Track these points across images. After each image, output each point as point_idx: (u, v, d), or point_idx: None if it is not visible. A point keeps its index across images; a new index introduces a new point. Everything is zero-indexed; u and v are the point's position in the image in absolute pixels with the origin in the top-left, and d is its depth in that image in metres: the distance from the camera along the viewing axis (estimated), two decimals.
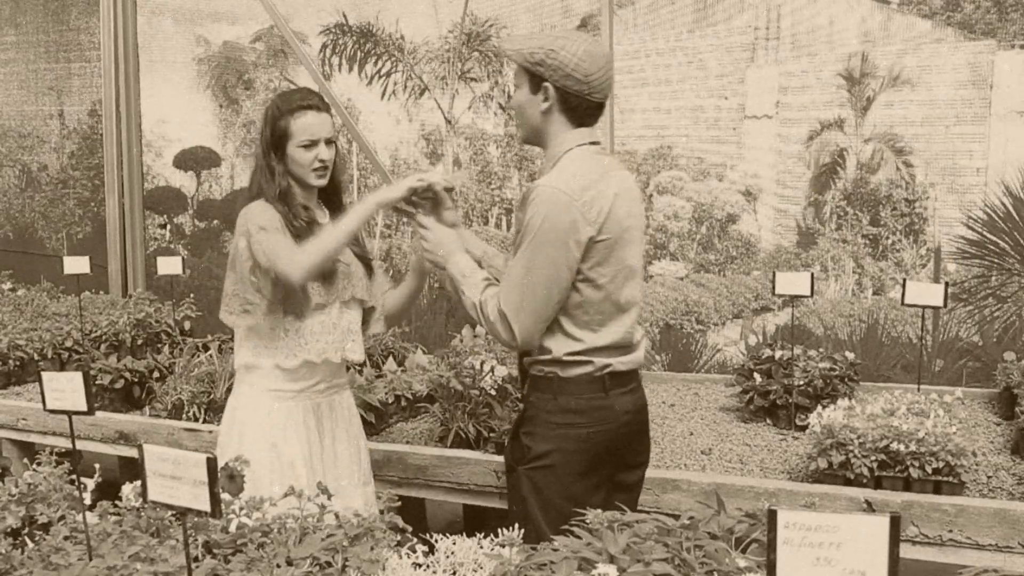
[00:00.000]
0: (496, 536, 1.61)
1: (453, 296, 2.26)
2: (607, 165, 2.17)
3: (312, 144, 2.40)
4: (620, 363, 2.17)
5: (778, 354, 3.63)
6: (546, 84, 2.09)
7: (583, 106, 2.12)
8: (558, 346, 2.12)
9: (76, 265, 4.21)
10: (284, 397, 2.46)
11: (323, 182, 2.45)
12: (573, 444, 2.12)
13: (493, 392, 3.27)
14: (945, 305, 3.38)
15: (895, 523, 1.09)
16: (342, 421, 2.58)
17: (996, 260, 5.66)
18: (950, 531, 2.50)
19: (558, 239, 2.03)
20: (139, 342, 4.42)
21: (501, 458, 3.02)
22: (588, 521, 1.61)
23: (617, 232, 2.10)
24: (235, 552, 1.61)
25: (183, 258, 4.26)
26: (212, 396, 3.44)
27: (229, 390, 3.45)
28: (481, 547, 1.60)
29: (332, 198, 2.56)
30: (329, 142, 2.43)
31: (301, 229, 2.39)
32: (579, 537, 1.55)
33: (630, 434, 2.22)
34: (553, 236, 2.03)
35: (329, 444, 2.53)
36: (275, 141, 2.41)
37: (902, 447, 2.65)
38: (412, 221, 2.36)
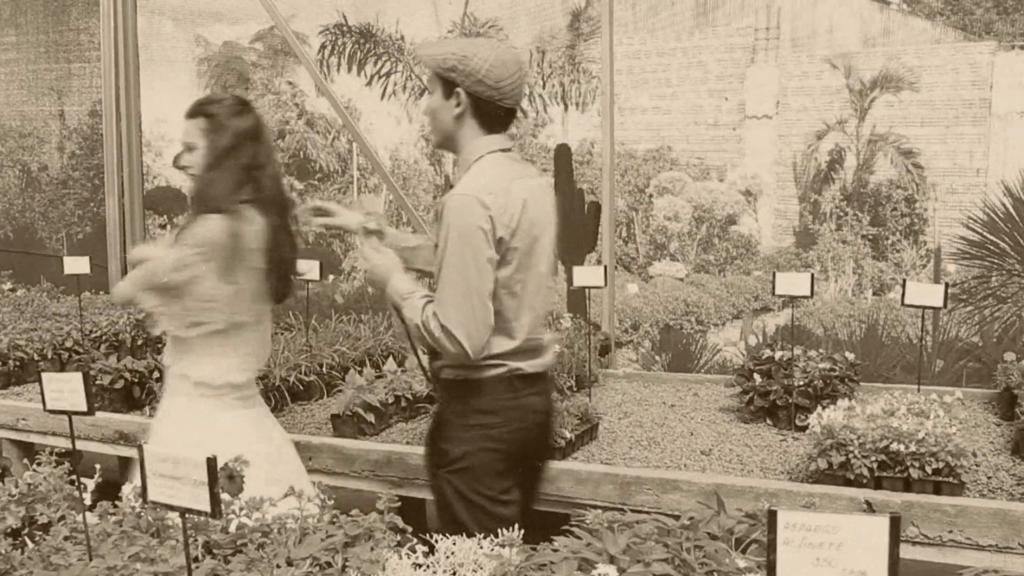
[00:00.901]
0: (496, 536, 1.61)
1: (394, 317, 2.32)
2: (519, 171, 2.21)
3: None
4: (529, 366, 2.21)
5: (778, 354, 3.63)
6: (458, 90, 2.13)
7: (494, 112, 2.16)
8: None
9: (76, 265, 4.21)
10: (237, 405, 2.53)
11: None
12: (488, 444, 2.16)
13: None
14: (945, 306, 3.38)
15: (895, 523, 1.09)
16: (276, 422, 2.71)
17: (996, 261, 5.65)
18: (950, 531, 2.50)
19: (478, 245, 2.06)
20: (139, 342, 4.42)
21: None
22: (588, 522, 1.61)
23: (528, 240, 2.15)
24: (235, 552, 1.61)
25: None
26: None
27: None
28: (481, 547, 1.60)
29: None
30: (189, 147, 2.49)
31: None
32: (579, 538, 1.55)
33: (541, 434, 2.30)
34: (473, 243, 2.06)
35: (278, 444, 2.61)
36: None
37: (902, 447, 2.65)
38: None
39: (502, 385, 2.17)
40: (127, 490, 1.81)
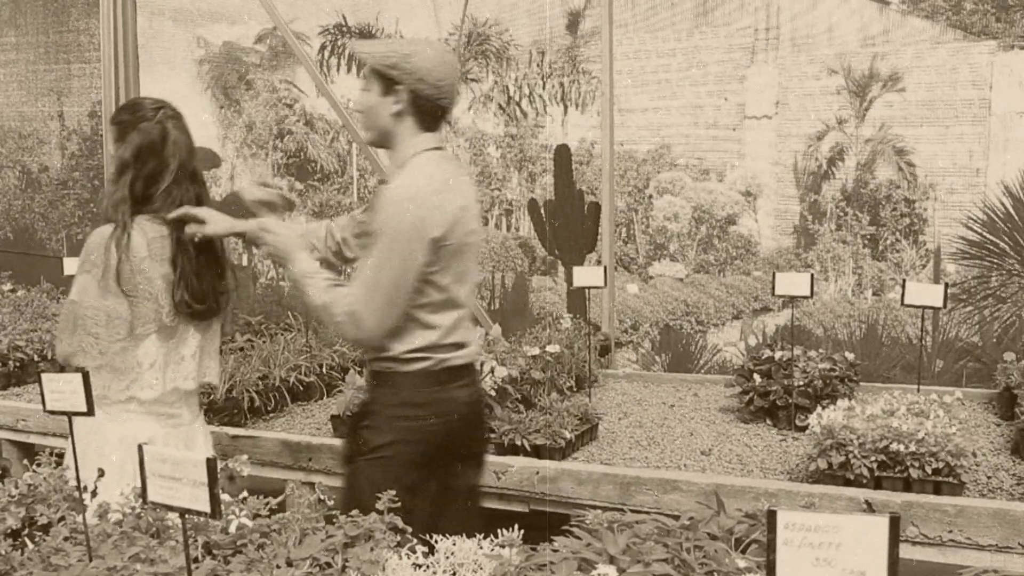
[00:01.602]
0: (496, 536, 1.61)
1: (296, 294, 2.35)
2: (453, 170, 2.25)
3: None
4: (456, 357, 2.25)
5: (778, 355, 3.63)
6: (399, 87, 2.16)
7: (432, 111, 2.20)
8: (398, 344, 2.19)
9: (76, 266, 4.20)
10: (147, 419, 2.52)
11: None
12: (411, 435, 2.19)
13: (493, 392, 3.28)
14: (945, 306, 3.38)
15: (895, 523, 1.09)
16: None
17: (996, 261, 5.66)
18: (950, 531, 2.50)
19: (409, 240, 2.10)
20: None
21: (501, 458, 3.03)
22: (588, 522, 1.61)
23: (461, 238, 2.18)
24: (235, 553, 1.61)
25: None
26: (212, 397, 3.44)
27: (229, 391, 3.48)
28: (481, 547, 1.60)
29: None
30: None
31: None
32: (579, 538, 1.56)
33: (466, 426, 2.31)
34: (405, 237, 2.10)
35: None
36: None
37: (902, 448, 2.65)
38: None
39: (429, 378, 2.21)
40: (127, 491, 1.80)
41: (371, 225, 2.17)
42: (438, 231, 2.12)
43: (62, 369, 3.76)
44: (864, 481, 2.67)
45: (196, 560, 1.57)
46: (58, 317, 2.51)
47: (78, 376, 1.69)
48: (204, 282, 2.45)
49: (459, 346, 2.26)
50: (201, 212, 2.38)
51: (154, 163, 2.40)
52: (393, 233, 2.11)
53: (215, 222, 2.38)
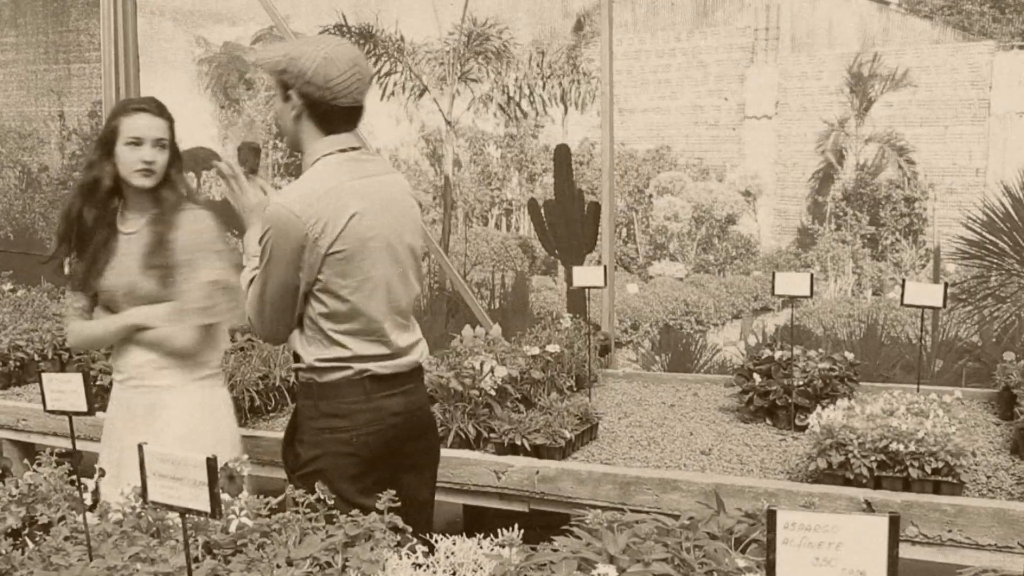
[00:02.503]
0: (496, 536, 1.61)
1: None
2: (356, 171, 2.16)
3: (137, 143, 2.45)
4: (380, 367, 2.17)
5: (777, 354, 3.63)
6: (291, 91, 2.12)
7: (331, 112, 2.12)
8: (309, 353, 2.16)
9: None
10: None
11: (147, 182, 2.48)
12: (340, 448, 2.14)
13: (493, 392, 3.28)
14: (944, 305, 3.38)
15: (894, 523, 1.09)
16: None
17: (995, 260, 5.66)
18: (949, 531, 2.50)
19: (284, 257, 2.08)
20: None
21: (501, 458, 3.03)
22: (588, 522, 1.61)
23: (355, 244, 2.10)
24: (235, 552, 1.61)
25: None
26: None
27: (229, 390, 3.47)
28: (481, 547, 1.60)
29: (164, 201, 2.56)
30: (161, 145, 2.48)
31: (84, 228, 2.50)
32: (579, 538, 1.56)
33: (403, 436, 2.23)
34: (279, 254, 2.08)
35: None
36: (104, 138, 2.49)
37: (901, 447, 2.65)
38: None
39: (352, 387, 2.15)
40: (127, 490, 1.80)
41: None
42: (316, 244, 2.06)
43: (63, 368, 3.77)
44: (864, 481, 2.67)
45: (196, 560, 1.58)
46: (233, 299, 2.52)
47: (78, 376, 1.70)
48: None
49: (383, 356, 2.18)
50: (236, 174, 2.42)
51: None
52: (268, 251, 2.08)
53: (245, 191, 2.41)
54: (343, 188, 2.11)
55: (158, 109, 2.51)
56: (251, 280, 2.21)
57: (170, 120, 2.52)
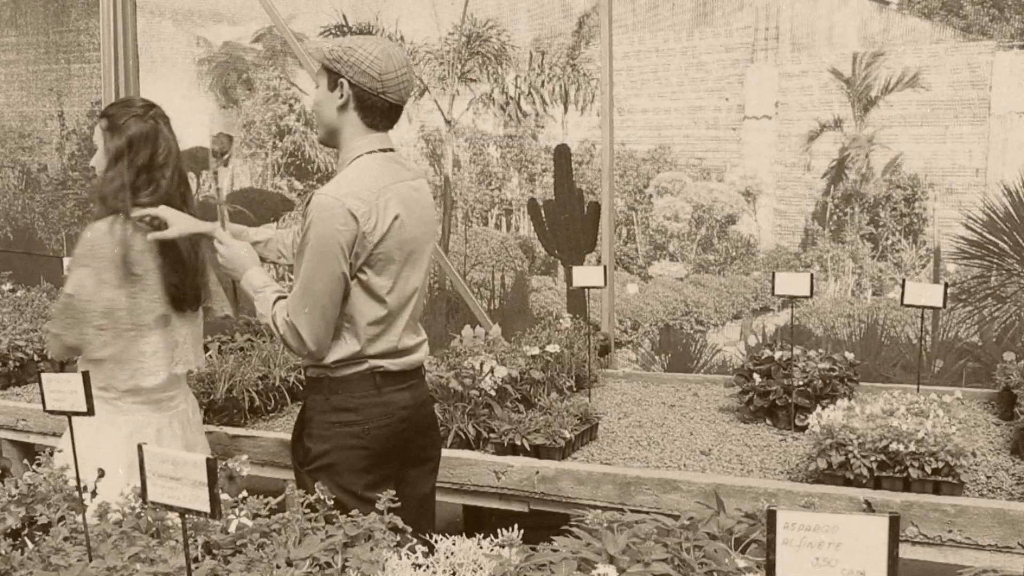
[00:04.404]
0: (496, 536, 1.61)
1: (248, 309, 2.36)
2: (396, 175, 2.19)
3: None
4: (391, 364, 2.22)
5: (777, 354, 3.63)
6: (342, 80, 2.14)
7: (377, 106, 2.16)
8: (328, 352, 2.18)
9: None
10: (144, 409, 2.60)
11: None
12: (350, 442, 2.17)
13: (493, 392, 3.28)
14: (944, 305, 3.38)
15: (894, 523, 1.09)
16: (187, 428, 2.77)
17: (995, 260, 5.66)
18: (949, 531, 2.50)
19: (334, 250, 2.08)
20: None
21: (501, 458, 3.03)
22: (588, 522, 1.61)
23: (399, 247, 2.15)
24: (235, 552, 1.61)
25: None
26: (212, 397, 3.44)
27: (229, 391, 3.47)
28: (481, 547, 1.60)
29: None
30: (95, 148, 2.52)
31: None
32: (579, 538, 1.56)
33: (410, 430, 2.27)
34: (329, 247, 2.08)
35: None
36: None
37: (901, 447, 2.65)
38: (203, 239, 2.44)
39: (364, 382, 2.18)
40: (127, 490, 1.80)
41: (300, 230, 2.16)
42: (365, 241, 2.08)
43: (63, 368, 3.77)
44: (864, 481, 2.67)
45: (196, 560, 1.57)
46: (51, 312, 2.53)
47: (78, 376, 1.70)
48: (190, 273, 2.53)
49: (394, 354, 2.22)
50: (162, 212, 2.40)
51: (146, 153, 2.45)
52: (316, 244, 2.08)
53: (176, 223, 2.39)
54: (388, 190, 2.15)
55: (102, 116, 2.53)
56: (275, 299, 2.20)
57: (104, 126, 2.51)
